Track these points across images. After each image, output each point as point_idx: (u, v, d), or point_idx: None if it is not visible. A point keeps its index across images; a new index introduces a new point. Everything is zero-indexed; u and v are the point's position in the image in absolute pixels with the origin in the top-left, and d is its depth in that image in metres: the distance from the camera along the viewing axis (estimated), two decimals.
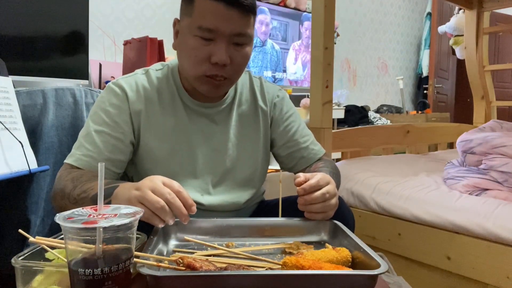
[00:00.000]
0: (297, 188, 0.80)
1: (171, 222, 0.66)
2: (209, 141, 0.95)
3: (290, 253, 0.74)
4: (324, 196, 0.79)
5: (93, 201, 0.74)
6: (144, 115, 0.90)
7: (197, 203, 0.93)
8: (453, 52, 3.55)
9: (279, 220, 0.85)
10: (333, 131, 1.73)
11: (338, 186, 0.97)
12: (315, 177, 0.80)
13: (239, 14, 0.82)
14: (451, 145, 2.77)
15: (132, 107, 0.90)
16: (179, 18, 0.90)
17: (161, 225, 0.66)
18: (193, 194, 0.91)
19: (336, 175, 0.98)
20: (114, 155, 0.87)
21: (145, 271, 0.55)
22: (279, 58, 3.40)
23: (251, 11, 0.85)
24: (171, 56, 2.26)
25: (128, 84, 0.91)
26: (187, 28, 0.85)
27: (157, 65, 0.98)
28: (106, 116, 0.88)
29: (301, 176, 0.80)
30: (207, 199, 0.93)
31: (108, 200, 0.72)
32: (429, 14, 4.72)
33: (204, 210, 0.93)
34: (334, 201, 0.81)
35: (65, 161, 0.87)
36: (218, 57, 0.83)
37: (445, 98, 4.88)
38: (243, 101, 1.01)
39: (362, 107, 3.43)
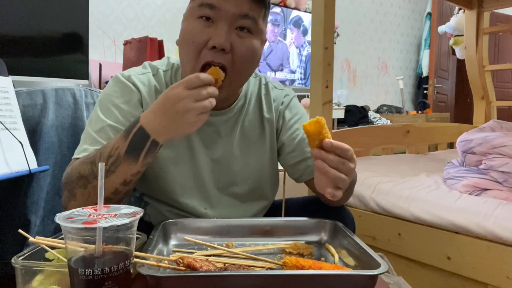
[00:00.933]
0: (325, 140, 0.67)
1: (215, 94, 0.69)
2: (210, 153, 0.90)
3: (290, 253, 0.74)
4: (339, 162, 0.66)
5: (129, 156, 0.70)
6: None
7: (201, 216, 0.89)
8: (453, 52, 3.55)
9: (279, 220, 0.85)
10: (333, 131, 1.73)
11: (354, 185, 0.88)
12: (347, 145, 0.68)
13: None
14: (451, 145, 2.77)
15: (145, 106, 0.85)
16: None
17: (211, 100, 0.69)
18: (196, 206, 0.88)
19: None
20: None
21: (145, 271, 0.55)
22: (284, 56, 3.41)
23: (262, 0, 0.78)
24: (171, 56, 2.27)
25: (142, 83, 0.85)
26: (190, 12, 0.79)
27: (164, 64, 0.92)
28: (120, 113, 0.82)
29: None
30: (210, 213, 0.90)
31: (151, 141, 0.69)
32: (429, 14, 4.72)
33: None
34: (347, 180, 0.67)
35: (77, 156, 0.80)
36: (216, 40, 0.74)
37: (445, 98, 4.88)
38: (250, 112, 0.93)
39: (362, 107, 3.43)
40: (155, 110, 0.70)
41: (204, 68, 0.77)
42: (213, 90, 0.69)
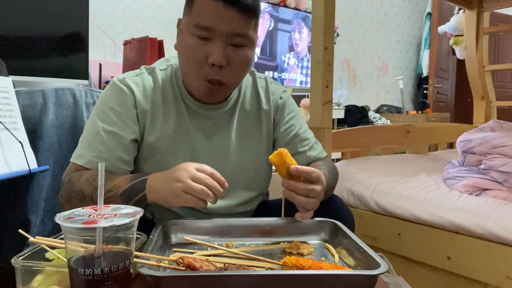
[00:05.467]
0: (291, 167, 0.78)
1: (213, 202, 0.75)
2: (210, 144, 0.94)
3: (290, 253, 0.74)
4: (307, 190, 0.78)
5: (122, 198, 0.77)
6: (149, 116, 0.90)
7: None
8: (453, 52, 3.54)
9: (279, 220, 0.85)
10: (333, 131, 1.73)
11: (334, 186, 0.97)
12: (312, 168, 0.80)
13: (238, 14, 0.80)
14: (451, 145, 2.77)
15: (139, 107, 0.89)
16: (182, 18, 0.89)
17: (205, 206, 0.75)
18: None
19: (334, 175, 0.97)
20: (125, 155, 0.86)
21: (145, 271, 0.55)
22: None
23: (252, 12, 0.82)
24: (170, 56, 2.26)
25: (135, 84, 0.90)
26: (186, 26, 0.84)
27: (162, 64, 0.96)
28: (114, 115, 0.86)
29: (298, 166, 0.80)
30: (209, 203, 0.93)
31: (142, 194, 0.76)
32: (429, 14, 4.72)
33: (206, 214, 0.93)
34: (316, 201, 0.80)
35: (74, 161, 0.85)
36: (214, 58, 0.81)
37: (445, 98, 4.88)
38: (246, 103, 0.99)
39: (362, 107, 3.43)
40: (165, 171, 0.77)
41: (208, 82, 0.85)
42: (215, 188, 0.74)
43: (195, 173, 0.74)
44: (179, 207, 0.92)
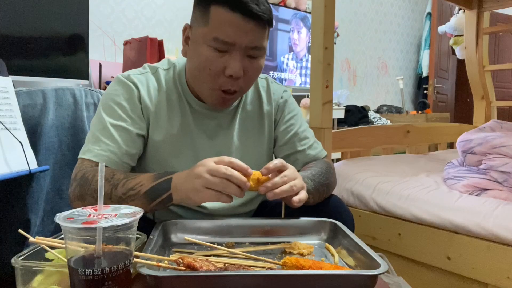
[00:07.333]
0: (260, 171, 0.76)
1: (239, 194, 0.71)
2: (213, 144, 0.95)
3: (290, 253, 0.74)
4: (281, 178, 0.76)
5: (146, 196, 0.75)
6: (152, 115, 0.90)
7: (200, 207, 0.93)
8: (453, 52, 3.54)
9: (279, 220, 0.85)
10: (333, 131, 1.73)
11: (327, 185, 0.93)
12: (271, 161, 0.78)
13: (256, 27, 0.81)
14: (451, 145, 2.77)
15: (143, 103, 0.89)
16: (190, 24, 0.88)
17: (230, 201, 0.72)
18: None
19: (325, 174, 0.94)
20: (132, 149, 0.86)
21: (145, 271, 0.55)
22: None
23: (268, 23, 0.83)
24: (171, 56, 2.26)
25: (140, 82, 0.90)
26: (201, 37, 0.83)
27: (165, 64, 0.97)
28: (121, 110, 0.87)
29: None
30: (210, 203, 0.93)
31: (168, 194, 0.75)
32: (429, 14, 4.72)
33: (207, 214, 0.93)
34: (298, 181, 0.77)
35: (82, 156, 0.84)
36: (233, 70, 0.82)
37: (445, 98, 4.88)
38: (248, 104, 1.00)
39: (362, 107, 3.43)
40: (187, 170, 0.76)
41: (223, 92, 0.86)
42: (236, 177, 0.70)
43: (213, 166, 0.71)
44: (180, 208, 0.92)
